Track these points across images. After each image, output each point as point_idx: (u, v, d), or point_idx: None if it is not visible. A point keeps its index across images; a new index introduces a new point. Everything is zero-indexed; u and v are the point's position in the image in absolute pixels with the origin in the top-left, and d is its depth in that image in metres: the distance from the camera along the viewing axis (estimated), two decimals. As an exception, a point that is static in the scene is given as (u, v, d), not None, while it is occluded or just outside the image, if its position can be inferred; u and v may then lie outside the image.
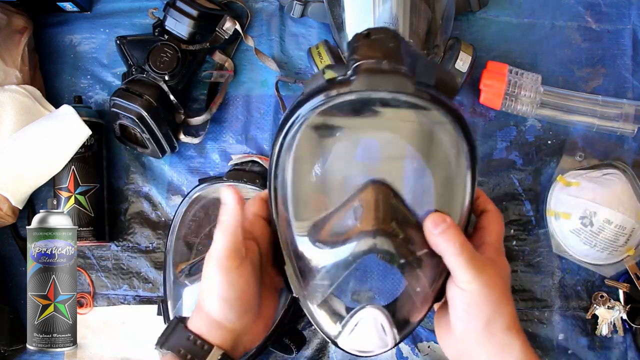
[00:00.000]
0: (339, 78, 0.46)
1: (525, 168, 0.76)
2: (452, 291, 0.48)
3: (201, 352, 0.46)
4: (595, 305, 0.73)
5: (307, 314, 0.50)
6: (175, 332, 0.48)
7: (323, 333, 0.50)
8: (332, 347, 0.75)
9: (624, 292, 0.73)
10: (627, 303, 0.72)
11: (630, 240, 0.70)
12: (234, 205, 0.47)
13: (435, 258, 0.48)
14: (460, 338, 0.49)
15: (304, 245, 0.49)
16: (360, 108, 0.46)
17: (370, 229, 0.46)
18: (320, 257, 0.48)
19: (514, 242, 0.75)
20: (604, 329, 0.72)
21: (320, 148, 0.48)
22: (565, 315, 0.74)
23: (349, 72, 0.45)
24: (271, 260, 0.52)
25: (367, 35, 0.48)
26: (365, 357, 0.50)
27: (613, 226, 0.68)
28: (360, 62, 0.45)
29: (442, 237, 0.46)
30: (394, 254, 0.46)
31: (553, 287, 0.74)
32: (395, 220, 0.46)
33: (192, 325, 0.48)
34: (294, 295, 0.51)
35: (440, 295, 0.50)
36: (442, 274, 0.49)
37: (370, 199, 0.46)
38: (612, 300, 0.73)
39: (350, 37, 0.68)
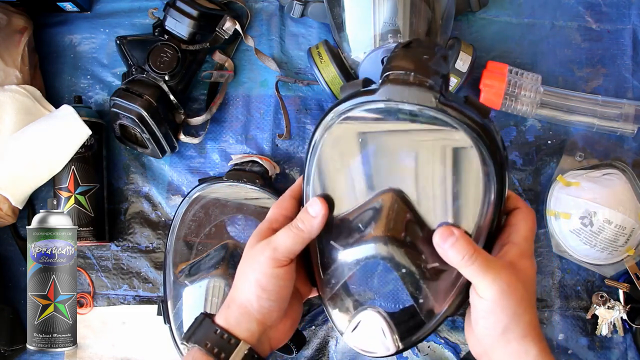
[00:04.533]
0: (371, 87, 0.47)
1: (525, 168, 0.76)
2: (472, 297, 0.48)
3: (228, 346, 0.47)
4: (595, 305, 0.73)
5: (324, 307, 0.53)
6: (202, 326, 0.49)
7: (335, 327, 0.52)
8: (332, 347, 0.75)
9: (624, 292, 0.73)
10: (627, 303, 0.72)
11: (630, 240, 0.70)
12: (320, 220, 0.49)
13: (447, 272, 0.48)
14: (480, 338, 0.50)
15: (324, 242, 0.51)
16: (386, 117, 0.47)
17: (380, 235, 0.47)
18: (334, 254, 0.51)
19: (514, 242, 0.75)
20: (604, 329, 0.72)
21: (344, 152, 0.49)
22: (565, 315, 0.74)
23: (379, 81, 0.47)
24: (301, 262, 0.54)
25: (406, 45, 0.49)
26: (370, 356, 0.51)
27: (613, 226, 0.68)
28: (389, 72, 0.46)
29: (452, 250, 0.46)
30: (399, 263, 0.47)
31: (553, 287, 0.74)
32: (407, 230, 0.47)
33: (219, 319, 0.49)
34: (316, 287, 0.53)
35: (456, 308, 0.49)
36: (456, 289, 0.49)
37: (386, 206, 0.48)
38: (612, 300, 0.72)
39: (350, 37, 0.69)
